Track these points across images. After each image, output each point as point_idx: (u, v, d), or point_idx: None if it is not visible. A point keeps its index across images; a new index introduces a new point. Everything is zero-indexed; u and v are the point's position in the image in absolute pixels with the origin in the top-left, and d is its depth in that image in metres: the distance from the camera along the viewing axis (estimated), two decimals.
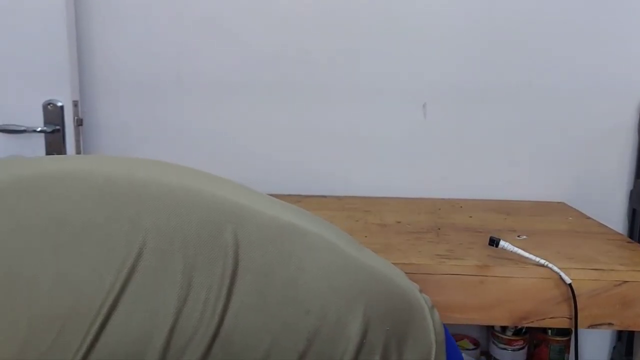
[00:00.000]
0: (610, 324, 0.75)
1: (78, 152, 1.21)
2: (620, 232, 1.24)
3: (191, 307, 0.36)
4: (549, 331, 1.14)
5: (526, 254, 0.76)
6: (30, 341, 0.33)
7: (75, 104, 1.19)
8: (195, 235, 0.39)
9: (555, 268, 0.73)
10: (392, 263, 0.50)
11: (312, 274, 0.41)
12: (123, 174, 0.43)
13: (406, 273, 0.50)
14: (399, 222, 1.00)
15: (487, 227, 0.98)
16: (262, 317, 0.38)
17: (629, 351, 1.23)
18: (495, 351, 1.16)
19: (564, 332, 1.13)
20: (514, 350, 1.14)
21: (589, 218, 1.09)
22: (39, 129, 1.15)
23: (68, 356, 0.33)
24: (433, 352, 0.45)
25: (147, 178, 0.43)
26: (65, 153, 1.18)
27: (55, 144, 1.18)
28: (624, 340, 1.25)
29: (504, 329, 1.15)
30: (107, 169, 0.43)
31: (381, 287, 0.45)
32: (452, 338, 0.53)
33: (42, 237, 0.36)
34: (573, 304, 0.73)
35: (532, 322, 0.75)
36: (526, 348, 1.16)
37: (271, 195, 0.53)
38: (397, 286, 0.47)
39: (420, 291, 0.50)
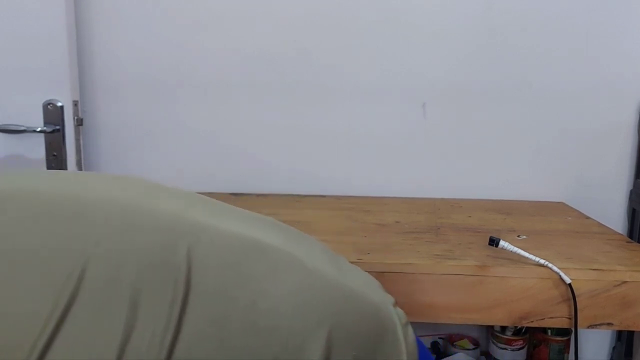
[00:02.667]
0: (610, 324, 0.75)
1: (78, 152, 1.21)
2: (620, 232, 1.24)
3: (137, 341, 0.33)
4: (549, 331, 1.14)
5: (526, 254, 0.76)
6: None
7: (75, 104, 1.19)
8: (144, 259, 0.36)
9: (555, 268, 0.73)
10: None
11: (274, 297, 0.38)
12: (72, 192, 0.40)
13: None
14: (398, 222, 1.00)
15: (487, 227, 0.98)
16: (218, 347, 0.35)
17: (629, 351, 1.23)
18: (495, 351, 1.16)
19: (564, 332, 1.13)
20: (513, 350, 1.14)
21: (588, 218, 1.09)
22: (39, 129, 1.15)
23: None
24: None
25: (97, 197, 0.40)
26: (65, 153, 1.18)
27: (55, 144, 1.18)
28: (623, 340, 1.25)
29: (503, 329, 1.15)
30: (56, 188, 0.40)
31: (350, 306, 0.42)
32: (428, 351, 0.51)
33: None
34: (573, 304, 0.73)
35: (532, 322, 0.75)
36: (526, 348, 1.16)
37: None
38: (368, 304, 0.44)
39: (394, 305, 0.47)
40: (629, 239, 0.92)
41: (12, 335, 0.31)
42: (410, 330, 0.47)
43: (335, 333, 0.40)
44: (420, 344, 0.48)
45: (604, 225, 1.02)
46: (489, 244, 0.79)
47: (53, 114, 1.17)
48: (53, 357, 0.31)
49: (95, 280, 0.34)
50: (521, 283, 0.74)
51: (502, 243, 0.78)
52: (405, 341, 0.45)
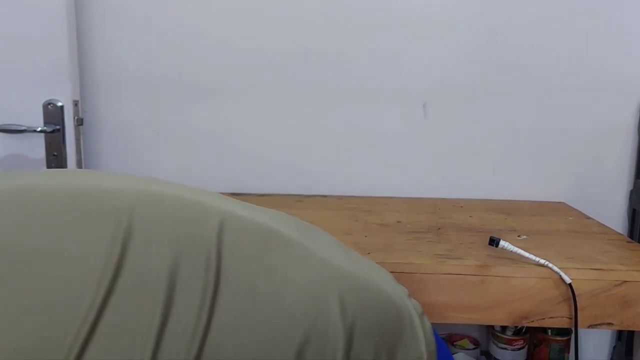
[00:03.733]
0: (610, 323, 0.75)
1: (78, 151, 1.21)
2: (620, 232, 1.25)
3: (173, 327, 0.34)
4: (549, 331, 1.14)
5: (526, 254, 0.76)
6: None
7: (76, 104, 1.19)
8: (177, 246, 0.37)
9: (555, 268, 0.73)
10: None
11: (296, 287, 0.39)
12: (93, 185, 0.40)
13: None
14: (399, 222, 1.00)
15: (487, 226, 0.98)
16: (247, 335, 0.36)
17: (629, 351, 1.24)
18: (495, 351, 1.16)
19: (564, 332, 1.14)
20: (514, 350, 1.14)
21: (589, 218, 1.09)
22: (39, 129, 1.15)
23: None
24: None
25: (124, 188, 0.41)
26: (65, 153, 1.18)
27: (55, 143, 1.18)
28: (624, 340, 1.25)
29: (504, 328, 1.15)
30: (75, 182, 0.41)
31: (368, 295, 0.43)
32: (444, 343, 0.52)
33: (6, 262, 0.33)
34: (573, 304, 0.73)
35: (532, 321, 0.75)
36: (526, 348, 1.16)
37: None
38: (385, 294, 0.45)
39: (409, 296, 0.48)
40: (629, 239, 0.92)
41: (53, 329, 0.32)
42: (426, 320, 0.47)
43: (357, 321, 0.40)
44: (436, 335, 0.48)
45: (604, 225, 1.02)
46: (489, 244, 0.79)
47: (53, 113, 1.17)
48: (96, 347, 0.32)
49: (131, 270, 0.35)
50: (522, 283, 0.74)
51: (502, 243, 0.78)
52: (423, 330, 0.45)
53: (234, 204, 0.44)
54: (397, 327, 0.43)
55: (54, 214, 0.37)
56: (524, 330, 1.15)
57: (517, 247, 0.77)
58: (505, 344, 1.14)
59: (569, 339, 1.14)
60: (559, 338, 1.14)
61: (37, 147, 1.18)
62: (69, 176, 0.44)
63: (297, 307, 0.39)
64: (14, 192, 0.38)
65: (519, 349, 1.15)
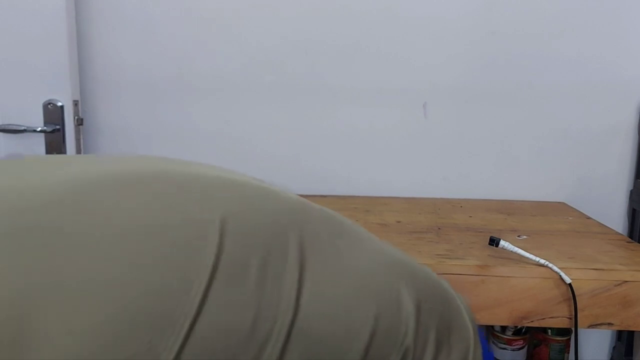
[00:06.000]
0: (610, 323, 0.75)
1: (78, 152, 1.21)
2: (620, 232, 1.25)
3: (269, 299, 0.35)
4: (549, 331, 1.14)
5: (526, 254, 0.76)
6: (116, 343, 0.32)
7: (76, 104, 1.19)
8: (267, 231, 0.38)
9: (555, 268, 0.73)
10: None
11: (363, 273, 0.41)
12: (176, 170, 0.41)
13: None
14: (399, 222, 1.00)
15: (488, 227, 0.98)
16: (332, 305, 0.38)
17: (629, 351, 1.24)
18: (495, 351, 1.16)
19: (564, 332, 1.14)
20: (514, 350, 1.14)
21: (589, 218, 1.09)
22: (39, 129, 1.15)
23: (158, 357, 0.32)
24: (471, 350, 0.45)
25: (212, 174, 0.42)
26: (65, 153, 1.18)
27: (55, 143, 1.18)
28: (624, 340, 1.25)
29: (504, 328, 1.15)
30: (158, 167, 0.42)
31: (427, 282, 0.45)
32: (483, 339, 0.52)
33: (126, 242, 0.35)
34: (573, 304, 0.73)
35: (532, 321, 0.75)
36: (526, 348, 1.16)
37: None
38: (437, 281, 0.46)
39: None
40: (630, 239, 0.92)
41: (167, 305, 0.33)
42: (470, 310, 0.48)
43: (419, 295, 0.42)
44: (480, 333, 0.49)
45: (604, 225, 1.02)
46: (489, 244, 0.79)
47: (53, 113, 1.17)
48: (204, 319, 0.33)
49: (231, 247, 0.36)
50: (522, 283, 0.74)
51: (502, 243, 0.78)
52: (469, 318, 0.46)
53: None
54: (451, 313, 0.45)
55: (165, 196, 0.38)
56: (523, 330, 1.15)
57: (517, 247, 0.77)
58: (505, 344, 1.14)
59: (569, 339, 1.14)
60: (559, 338, 1.14)
61: (37, 147, 1.18)
62: (160, 161, 0.45)
63: (369, 281, 0.40)
64: (131, 176, 0.40)
65: (519, 349, 1.15)
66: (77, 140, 1.20)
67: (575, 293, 0.73)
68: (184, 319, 0.33)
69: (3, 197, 0.36)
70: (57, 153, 1.18)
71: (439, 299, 0.45)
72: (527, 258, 0.76)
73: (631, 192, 1.26)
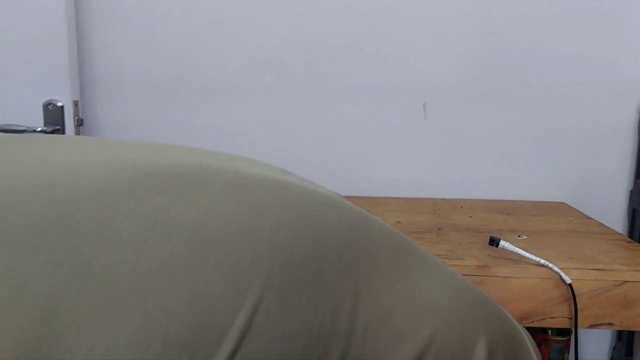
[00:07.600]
0: (610, 324, 0.75)
1: None
2: (621, 232, 1.24)
3: (317, 326, 0.33)
4: (549, 331, 1.14)
5: (526, 254, 0.76)
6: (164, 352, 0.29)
7: (76, 104, 1.19)
8: (322, 241, 0.35)
9: (555, 268, 0.73)
10: None
11: (429, 291, 0.38)
12: (244, 170, 0.39)
13: None
14: (399, 222, 1.00)
15: (488, 227, 0.98)
16: (386, 334, 0.35)
17: (629, 351, 1.23)
18: None
19: (564, 332, 1.13)
20: None
21: (589, 218, 1.09)
22: (39, 129, 1.15)
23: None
24: None
25: (258, 173, 0.39)
26: None
27: None
28: (624, 340, 1.25)
29: None
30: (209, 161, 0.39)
31: (495, 313, 0.42)
32: None
33: (178, 246, 0.31)
34: (573, 304, 0.73)
35: (532, 322, 0.75)
36: None
37: None
38: (502, 311, 0.44)
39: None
40: (630, 239, 0.92)
41: (211, 322, 0.30)
42: (534, 344, 0.46)
43: (491, 333, 0.40)
44: None
45: (604, 226, 1.02)
46: (490, 244, 0.79)
47: (53, 114, 1.17)
48: (249, 341, 0.31)
49: (282, 266, 0.33)
50: (522, 283, 0.74)
51: (502, 243, 0.78)
52: (535, 354, 0.45)
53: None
54: (518, 357, 0.43)
55: (230, 194, 0.36)
56: None
57: (517, 247, 0.77)
58: None
59: (569, 339, 1.14)
60: (559, 338, 1.14)
61: None
62: (204, 154, 0.42)
63: (431, 310, 0.38)
64: (193, 169, 0.37)
65: None
66: None
67: (575, 293, 0.73)
68: (229, 340, 0.30)
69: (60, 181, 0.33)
70: None
71: (511, 340, 0.42)
72: (527, 258, 0.76)
73: (631, 192, 1.26)
